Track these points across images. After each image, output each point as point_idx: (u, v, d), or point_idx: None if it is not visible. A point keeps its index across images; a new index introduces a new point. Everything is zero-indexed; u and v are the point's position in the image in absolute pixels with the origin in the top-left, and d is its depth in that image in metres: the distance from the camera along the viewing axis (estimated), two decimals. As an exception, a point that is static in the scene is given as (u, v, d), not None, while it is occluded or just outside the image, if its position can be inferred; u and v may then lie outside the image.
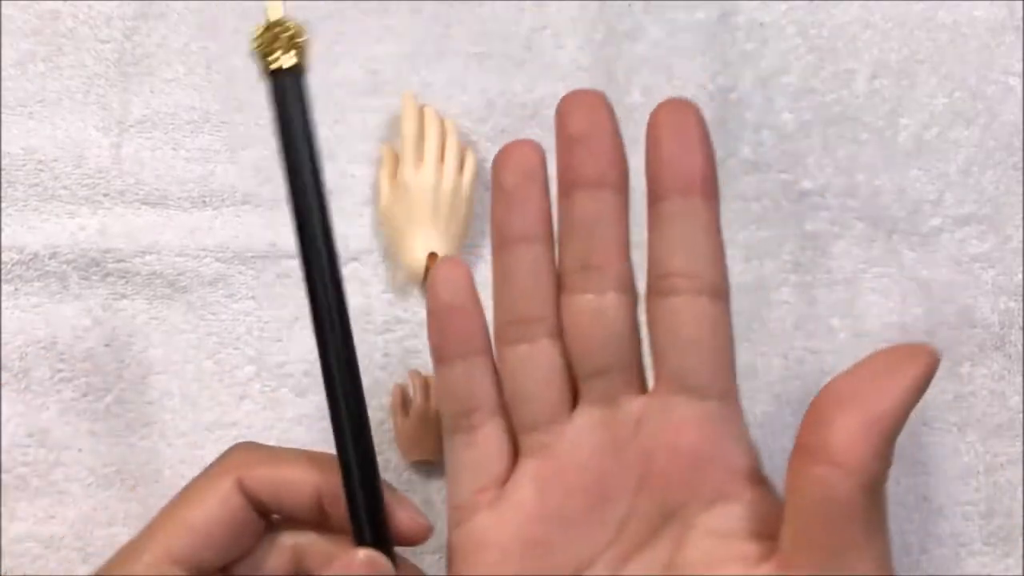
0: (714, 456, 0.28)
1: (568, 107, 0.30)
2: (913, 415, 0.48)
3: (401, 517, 0.30)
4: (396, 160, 0.48)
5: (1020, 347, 0.49)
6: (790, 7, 0.51)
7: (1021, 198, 0.50)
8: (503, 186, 0.30)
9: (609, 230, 0.30)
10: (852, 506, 0.24)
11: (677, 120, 0.29)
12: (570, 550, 0.29)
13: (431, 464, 0.46)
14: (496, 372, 0.31)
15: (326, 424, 0.47)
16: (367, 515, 0.29)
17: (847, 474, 0.24)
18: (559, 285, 0.31)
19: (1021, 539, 0.47)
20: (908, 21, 0.52)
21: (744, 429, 0.29)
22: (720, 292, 0.29)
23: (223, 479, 0.30)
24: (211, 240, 0.48)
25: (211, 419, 0.47)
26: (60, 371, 0.47)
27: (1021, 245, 0.50)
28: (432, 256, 0.46)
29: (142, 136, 0.49)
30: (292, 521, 0.32)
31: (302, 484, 0.30)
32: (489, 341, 0.31)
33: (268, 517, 0.31)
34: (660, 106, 0.29)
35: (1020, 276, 0.49)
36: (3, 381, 0.46)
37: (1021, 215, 0.50)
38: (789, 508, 0.26)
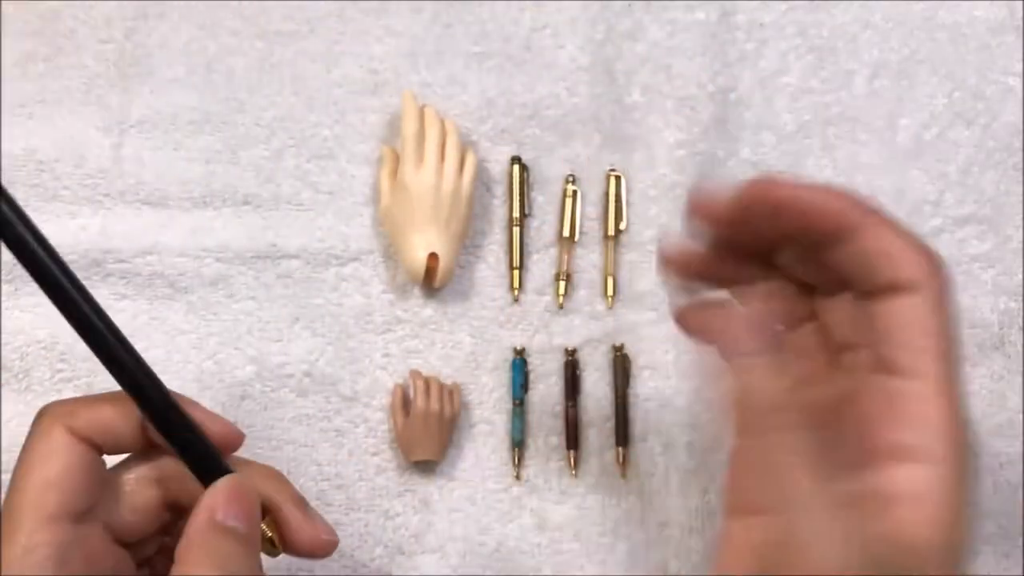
0: None
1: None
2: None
3: (218, 428, 0.33)
4: (396, 160, 0.48)
5: (1019, 347, 0.49)
6: (790, 7, 0.51)
7: (1021, 198, 0.50)
8: None
9: None
10: None
11: None
12: None
13: (432, 464, 0.46)
14: None
15: (327, 424, 0.47)
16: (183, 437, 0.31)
17: None
18: None
19: (1021, 539, 0.47)
20: (908, 21, 0.52)
21: None
22: None
23: (54, 433, 0.31)
24: (212, 240, 0.48)
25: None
26: (61, 371, 0.47)
27: (1021, 245, 0.50)
28: (432, 256, 0.46)
29: (143, 136, 0.49)
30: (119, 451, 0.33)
31: (124, 419, 0.32)
32: None
33: (100, 453, 0.33)
34: None
35: (1020, 276, 0.49)
36: (4, 381, 0.46)
37: (1021, 215, 0.50)
38: None
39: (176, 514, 0.33)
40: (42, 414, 0.32)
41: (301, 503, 0.33)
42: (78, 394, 0.46)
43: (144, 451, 0.33)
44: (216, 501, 0.30)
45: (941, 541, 0.26)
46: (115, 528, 0.32)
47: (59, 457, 0.31)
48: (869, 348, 0.28)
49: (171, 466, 0.32)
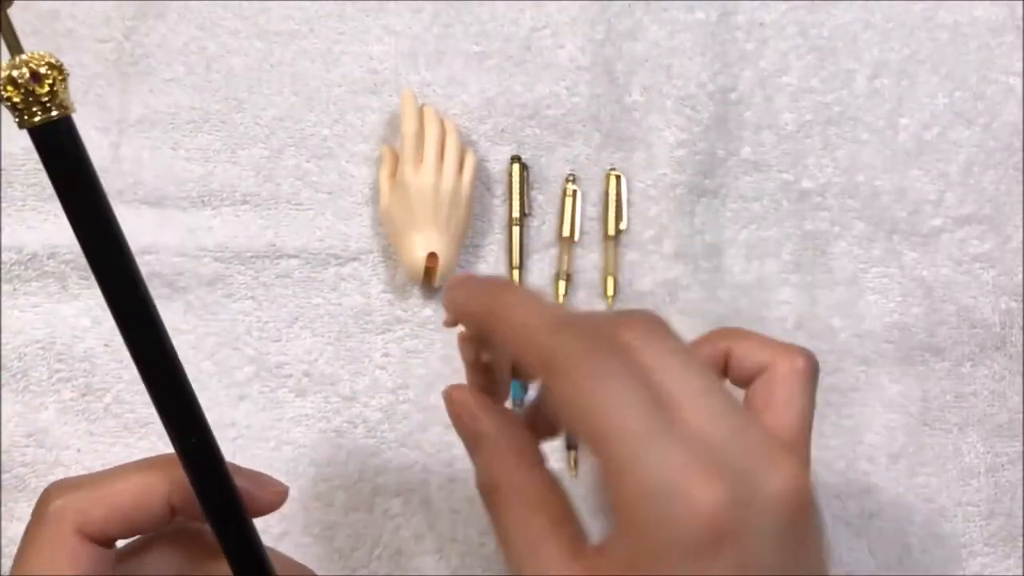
0: None
1: None
2: (913, 416, 0.48)
3: (261, 496, 0.30)
4: (396, 160, 0.48)
5: (1020, 347, 0.49)
6: (790, 7, 0.51)
7: (1021, 198, 0.50)
8: None
9: None
10: None
11: None
12: None
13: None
14: None
15: (325, 424, 0.47)
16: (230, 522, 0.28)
17: None
18: None
19: (1022, 540, 0.47)
20: (908, 21, 0.52)
21: None
22: None
23: (64, 536, 0.28)
24: (210, 240, 0.48)
25: (210, 419, 0.46)
26: (59, 371, 0.46)
27: (1021, 245, 0.50)
28: (432, 256, 0.46)
29: (141, 136, 0.49)
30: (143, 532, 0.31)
31: (147, 498, 0.29)
32: None
33: (112, 544, 0.30)
34: None
35: (1020, 276, 0.49)
36: (2, 381, 0.46)
37: (1021, 215, 0.50)
38: None
39: None
40: (46, 502, 0.28)
41: None
42: (75, 394, 0.46)
43: (163, 529, 0.30)
44: None
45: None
46: None
47: (65, 569, 0.27)
48: None
49: (195, 551, 0.30)
